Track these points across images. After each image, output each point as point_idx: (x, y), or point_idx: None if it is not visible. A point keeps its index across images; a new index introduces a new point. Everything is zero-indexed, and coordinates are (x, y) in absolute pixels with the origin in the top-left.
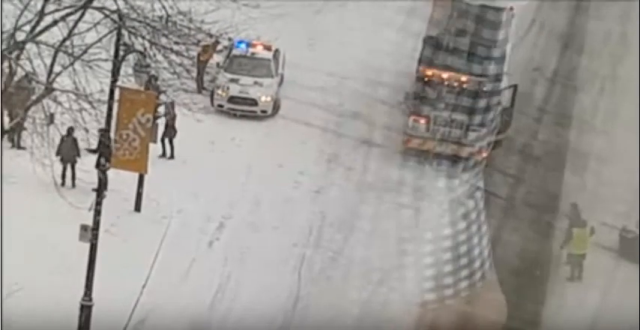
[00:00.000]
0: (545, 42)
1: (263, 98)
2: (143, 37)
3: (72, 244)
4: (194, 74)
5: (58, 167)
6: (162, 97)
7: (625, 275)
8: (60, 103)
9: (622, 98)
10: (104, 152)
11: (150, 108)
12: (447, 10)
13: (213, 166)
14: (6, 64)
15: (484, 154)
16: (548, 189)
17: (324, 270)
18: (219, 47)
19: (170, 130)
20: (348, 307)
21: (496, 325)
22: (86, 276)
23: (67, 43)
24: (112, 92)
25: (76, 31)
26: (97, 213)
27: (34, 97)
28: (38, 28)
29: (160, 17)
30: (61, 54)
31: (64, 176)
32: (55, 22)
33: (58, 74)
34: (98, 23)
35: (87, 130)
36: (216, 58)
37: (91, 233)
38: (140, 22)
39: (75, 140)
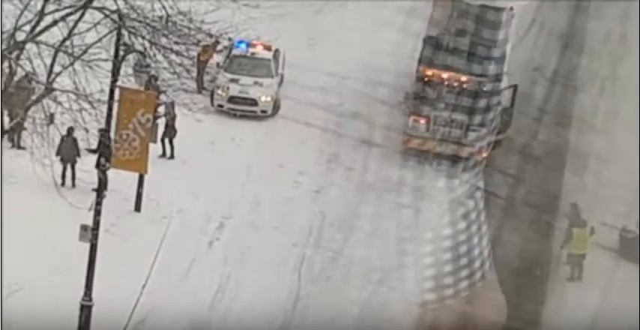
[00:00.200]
0: (545, 42)
1: (263, 98)
2: (143, 37)
3: (72, 244)
4: (194, 74)
5: (58, 167)
6: (163, 97)
7: (625, 275)
8: (60, 103)
9: (622, 98)
10: (104, 152)
11: (150, 108)
12: (447, 10)
13: (213, 166)
14: (6, 64)
15: (484, 154)
16: (548, 189)
17: (324, 270)
18: (219, 47)
19: (170, 130)
20: (348, 307)
21: (496, 325)
22: (86, 276)
23: (67, 43)
24: (112, 92)
25: (76, 31)
26: (97, 213)
27: (34, 97)
28: (38, 28)
29: (160, 17)
30: (61, 54)
31: (64, 176)
32: (55, 22)
33: (58, 74)
34: (98, 23)
35: (87, 130)
36: (216, 58)
37: (91, 233)
38: (140, 22)
39: (75, 140)
